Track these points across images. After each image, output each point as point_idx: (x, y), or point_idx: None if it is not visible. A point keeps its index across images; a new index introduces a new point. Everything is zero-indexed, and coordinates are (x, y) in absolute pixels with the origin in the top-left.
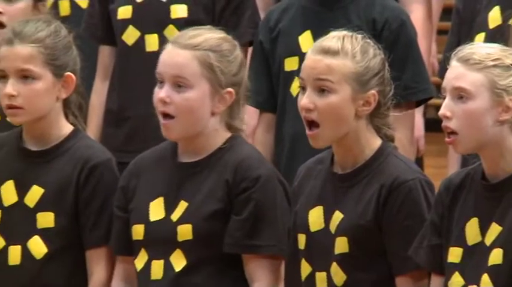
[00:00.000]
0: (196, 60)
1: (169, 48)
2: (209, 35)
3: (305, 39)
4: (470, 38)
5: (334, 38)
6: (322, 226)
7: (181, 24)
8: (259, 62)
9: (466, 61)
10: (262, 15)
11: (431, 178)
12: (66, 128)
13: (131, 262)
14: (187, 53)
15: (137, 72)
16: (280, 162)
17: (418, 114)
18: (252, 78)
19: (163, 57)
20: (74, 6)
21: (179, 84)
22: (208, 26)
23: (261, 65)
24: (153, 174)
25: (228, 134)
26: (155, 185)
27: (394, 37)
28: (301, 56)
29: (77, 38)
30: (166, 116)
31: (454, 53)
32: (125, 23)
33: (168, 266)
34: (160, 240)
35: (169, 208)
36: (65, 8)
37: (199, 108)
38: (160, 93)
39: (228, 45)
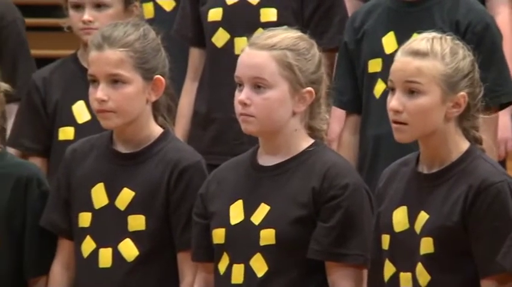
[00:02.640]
0: (274, 60)
1: (246, 50)
2: (285, 35)
3: (388, 41)
4: None
5: (423, 40)
6: (407, 226)
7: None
8: (344, 63)
9: None
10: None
11: None
12: (156, 130)
13: (209, 270)
14: (265, 54)
15: (226, 74)
16: (363, 164)
17: (506, 115)
18: (337, 79)
19: (241, 59)
20: (157, 8)
21: (258, 85)
22: (284, 27)
23: (346, 66)
24: (232, 178)
25: (310, 139)
26: (234, 188)
27: (477, 40)
28: (384, 58)
29: (164, 40)
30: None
31: None
32: (215, 25)
33: (248, 271)
34: (242, 243)
35: (249, 210)
36: (149, 11)
37: (280, 108)
38: (240, 95)
39: (305, 43)
